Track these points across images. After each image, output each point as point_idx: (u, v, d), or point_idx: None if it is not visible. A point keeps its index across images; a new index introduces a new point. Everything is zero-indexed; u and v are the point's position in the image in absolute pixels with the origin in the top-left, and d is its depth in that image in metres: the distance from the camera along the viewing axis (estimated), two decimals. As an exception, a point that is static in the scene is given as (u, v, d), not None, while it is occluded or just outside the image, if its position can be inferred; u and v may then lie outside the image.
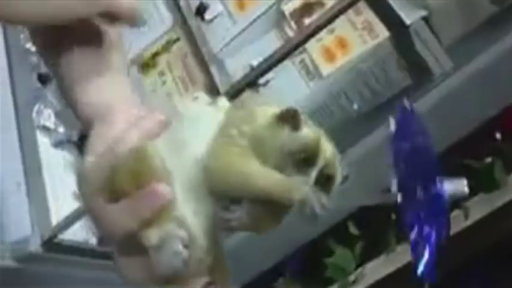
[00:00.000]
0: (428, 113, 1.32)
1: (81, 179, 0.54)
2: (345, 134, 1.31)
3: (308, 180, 0.49)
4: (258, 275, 1.58)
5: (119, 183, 0.51)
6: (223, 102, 0.56)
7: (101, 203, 0.53)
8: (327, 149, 0.51)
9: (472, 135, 1.44)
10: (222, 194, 0.51)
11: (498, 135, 1.55)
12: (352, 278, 1.65)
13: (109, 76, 0.62)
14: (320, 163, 0.50)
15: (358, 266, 1.66)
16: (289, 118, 0.51)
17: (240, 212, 0.50)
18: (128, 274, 0.54)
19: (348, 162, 0.54)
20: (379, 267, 1.65)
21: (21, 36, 1.67)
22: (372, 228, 1.63)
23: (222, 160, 0.51)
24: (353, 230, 1.62)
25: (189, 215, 0.51)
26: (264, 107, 0.53)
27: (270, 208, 0.50)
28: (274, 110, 0.52)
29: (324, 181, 0.50)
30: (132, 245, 0.51)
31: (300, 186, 0.49)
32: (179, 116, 0.54)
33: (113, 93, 0.61)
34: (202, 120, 0.54)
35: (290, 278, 1.66)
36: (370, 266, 1.66)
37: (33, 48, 1.72)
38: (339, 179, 0.51)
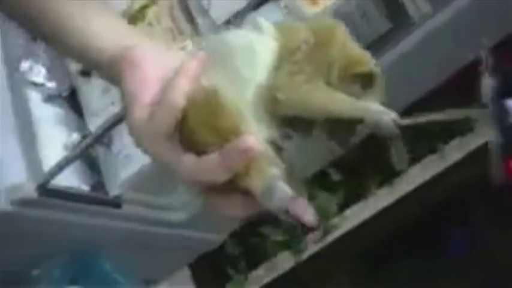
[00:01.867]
0: (408, 56, 1.37)
1: (136, 127, 0.53)
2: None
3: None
4: (245, 222, 1.64)
5: (197, 133, 0.51)
6: (266, 26, 0.55)
7: (171, 150, 0.52)
8: None
9: (452, 79, 1.50)
10: (293, 121, 0.52)
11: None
12: (334, 221, 1.71)
13: (107, 14, 0.61)
14: None
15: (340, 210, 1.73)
16: (365, 77, 0.53)
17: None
18: (227, 212, 0.53)
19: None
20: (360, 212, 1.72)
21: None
22: (354, 174, 1.69)
23: (294, 89, 0.51)
24: (335, 177, 1.68)
25: (267, 146, 0.51)
26: (326, 25, 0.55)
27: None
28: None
29: None
30: (225, 186, 0.51)
31: (370, 106, 0.51)
32: (229, 46, 0.54)
33: (125, 32, 0.60)
34: (255, 48, 0.53)
35: (274, 224, 1.72)
36: (351, 210, 1.72)
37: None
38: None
